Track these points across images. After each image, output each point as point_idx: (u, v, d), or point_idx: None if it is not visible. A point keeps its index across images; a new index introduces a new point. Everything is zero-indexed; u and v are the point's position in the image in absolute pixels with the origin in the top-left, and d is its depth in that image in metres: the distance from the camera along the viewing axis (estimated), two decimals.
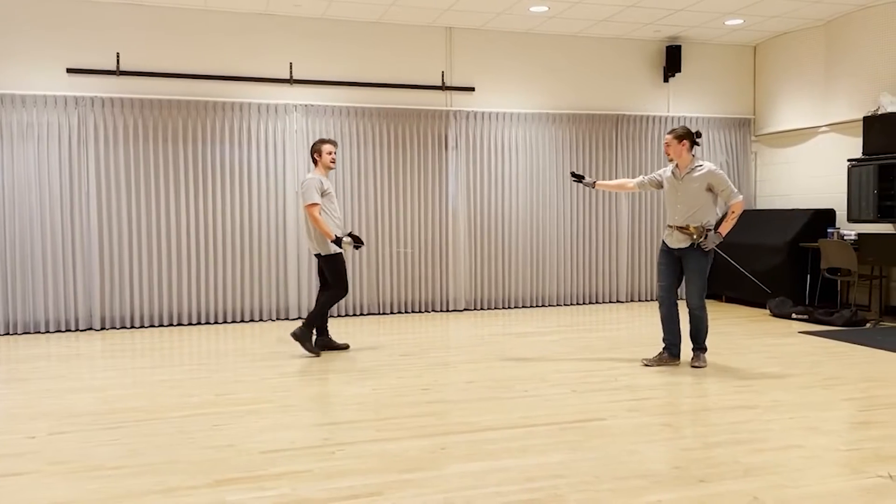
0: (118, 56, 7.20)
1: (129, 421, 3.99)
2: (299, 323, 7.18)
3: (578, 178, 5.56)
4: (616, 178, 8.75)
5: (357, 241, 5.83)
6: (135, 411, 4.19)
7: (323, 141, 5.82)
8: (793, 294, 7.85)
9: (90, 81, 7.13)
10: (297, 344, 5.91)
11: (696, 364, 5.22)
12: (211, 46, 7.46)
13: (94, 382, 4.95)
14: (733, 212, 5.01)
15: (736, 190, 5.05)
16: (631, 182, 5.53)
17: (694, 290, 5.15)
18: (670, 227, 5.15)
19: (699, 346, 5.29)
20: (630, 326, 7.08)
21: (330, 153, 5.80)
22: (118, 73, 7.18)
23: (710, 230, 5.02)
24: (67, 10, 7.06)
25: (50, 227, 7.00)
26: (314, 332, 5.82)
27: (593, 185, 5.59)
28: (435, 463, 3.28)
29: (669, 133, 5.13)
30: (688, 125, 8.96)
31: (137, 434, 3.75)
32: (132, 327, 7.27)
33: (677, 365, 5.30)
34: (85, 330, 7.13)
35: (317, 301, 5.84)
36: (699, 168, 5.05)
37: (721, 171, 5.05)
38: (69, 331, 7.09)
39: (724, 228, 5.02)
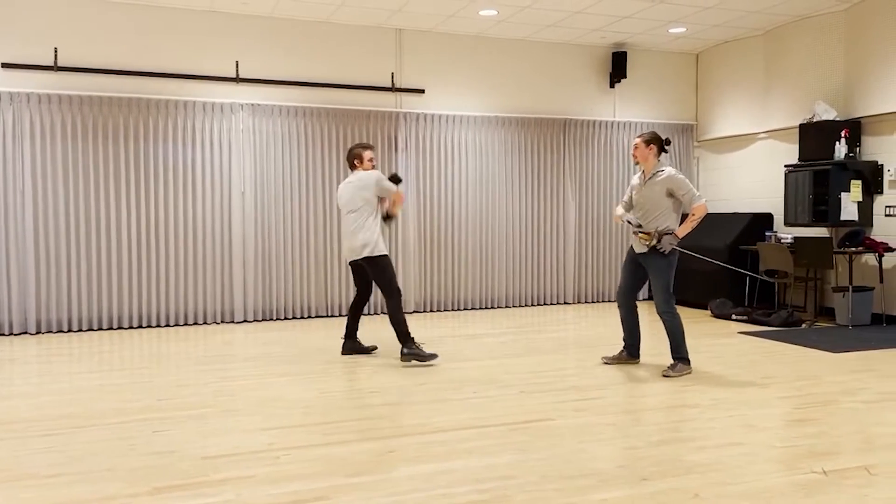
0: (56, 51, 6.96)
1: (65, 428, 3.86)
2: (248, 327, 7.05)
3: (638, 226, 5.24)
4: (563, 182, 8.86)
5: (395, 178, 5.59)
6: (71, 417, 4.05)
7: (365, 147, 5.59)
8: (733, 295, 8.07)
9: (26, 77, 6.88)
10: (417, 362, 5.42)
11: (666, 372, 5.03)
12: (154, 43, 7.28)
13: (28, 388, 4.76)
14: (693, 214, 4.94)
15: (698, 193, 5.02)
16: (619, 210, 5.39)
17: (657, 292, 5.09)
18: (634, 232, 5.15)
19: (677, 356, 5.10)
20: (577, 327, 7.17)
21: (371, 159, 5.58)
22: (56, 68, 6.95)
23: (668, 233, 4.99)
24: (4, 3, 6.79)
25: None
26: (410, 339, 5.43)
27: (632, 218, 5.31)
28: (383, 466, 3.26)
29: (638, 137, 5.15)
30: (633, 130, 9.15)
31: (74, 441, 3.63)
32: (70, 331, 7.03)
33: (636, 364, 5.41)
34: (19, 334, 6.87)
35: (390, 317, 5.47)
36: (661, 173, 5.05)
37: (682, 176, 5.03)
38: (2, 335, 6.82)
39: (682, 231, 4.98)
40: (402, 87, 8.19)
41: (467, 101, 8.50)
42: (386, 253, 5.51)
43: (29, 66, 6.87)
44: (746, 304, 8.10)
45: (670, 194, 5.01)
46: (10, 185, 6.82)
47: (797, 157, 7.76)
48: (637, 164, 5.18)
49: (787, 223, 7.78)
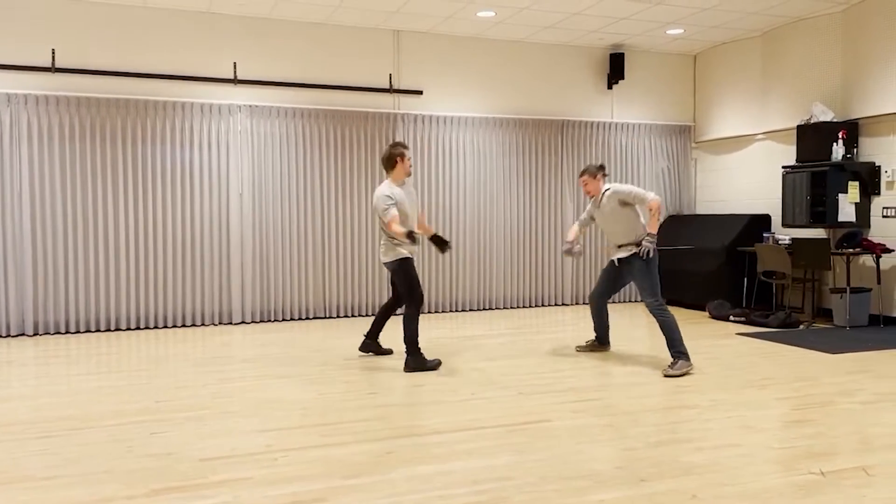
0: (53, 52, 6.95)
1: (63, 430, 3.85)
2: (246, 329, 7.05)
3: (569, 252, 5.68)
4: (561, 183, 8.86)
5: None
6: (68, 419, 4.04)
7: (405, 146, 5.41)
8: (731, 296, 8.07)
9: (24, 78, 6.87)
10: (419, 373, 5.26)
11: (667, 372, 5.08)
12: (152, 44, 7.28)
13: (26, 390, 4.76)
14: (650, 209, 5.26)
15: (644, 191, 5.33)
16: (576, 227, 5.80)
17: (646, 295, 5.29)
18: (611, 246, 5.61)
19: (676, 352, 5.19)
20: (575, 328, 7.17)
21: (409, 159, 5.43)
22: (53, 69, 6.94)
23: (645, 237, 5.29)
24: (1, 5, 6.80)
25: None
26: (416, 348, 5.31)
27: (571, 245, 5.64)
28: (381, 467, 3.26)
29: (584, 174, 5.56)
30: (630, 132, 9.16)
31: (71, 443, 3.62)
32: (67, 333, 7.02)
33: (606, 350, 5.94)
34: (17, 336, 6.86)
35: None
36: (606, 192, 5.46)
37: (623, 185, 5.43)
38: (0, 337, 6.82)
39: (652, 227, 5.29)
40: (400, 88, 8.19)
41: (465, 103, 8.50)
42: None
43: (26, 67, 6.87)
44: (744, 305, 8.11)
45: (623, 203, 5.36)
46: (7, 187, 6.81)
47: (795, 158, 7.77)
48: (591, 197, 5.62)
49: (785, 224, 7.79)
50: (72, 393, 4.66)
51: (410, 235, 5.12)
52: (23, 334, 6.90)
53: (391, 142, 5.86)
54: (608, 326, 5.92)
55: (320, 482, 3.08)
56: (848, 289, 7.09)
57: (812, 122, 7.53)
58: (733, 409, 4.20)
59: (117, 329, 7.19)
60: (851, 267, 7.39)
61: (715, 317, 7.83)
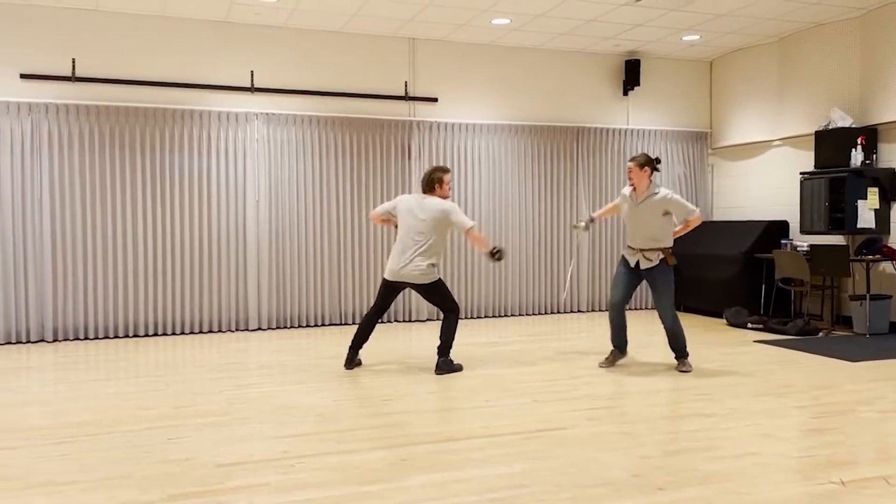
0: (74, 62, 7.05)
1: (81, 435, 3.88)
2: (262, 335, 7.07)
3: (586, 225, 5.84)
4: (577, 190, 8.84)
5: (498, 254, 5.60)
6: (87, 425, 4.07)
7: (446, 171, 5.51)
8: (748, 304, 8.01)
9: (45, 87, 6.97)
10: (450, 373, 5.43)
11: (684, 369, 5.45)
12: (170, 53, 7.36)
13: (45, 396, 4.81)
14: (689, 223, 5.39)
15: (692, 207, 5.37)
16: (612, 204, 5.84)
17: (667, 304, 5.41)
18: (632, 248, 5.47)
19: (683, 354, 5.54)
20: (591, 336, 7.14)
21: (448, 182, 5.53)
22: (74, 79, 7.03)
23: (670, 248, 5.38)
24: (22, 15, 6.89)
25: (1, 236, 6.80)
26: (446, 353, 5.48)
27: (592, 220, 5.90)
28: (396, 474, 3.26)
29: (632, 161, 5.39)
30: (646, 138, 9.14)
31: (89, 449, 3.65)
32: (86, 339, 7.09)
33: (626, 356, 5.77)
34: (37, 342, 6.94)
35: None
36: (656, 194, 5.34)
37: (677, 196, 5.35)
38: (20, 343, 6.88)
39: (677, 233, 5.43)
40: (416, 95, 8.22)
41: (480, 110, 8.51)
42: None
43: (47, 76, 6.96)
44: (762, 312, 8.04)
45: (666, 213, 5.33)
46: (28, 195, 6.90)
47: (813, 164, 7.71)
48: (632, 185, 5.44)
49: (803, 231, 7.72)
50: (90, 398, 4.70)
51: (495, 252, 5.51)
52: (42, 340, 6.98)
53: (435, 165, 5.87)
54: (627, 338, 5.66)
55: (336, 489, 3.08)
56: (868, 296, 7.01)
57: (830, 127, 7.47)
58: (751, 418, 4.16)
59: (135, 335, 7.26)
60: (871, 274, 7.31)
61: (732, 324, 7.77)
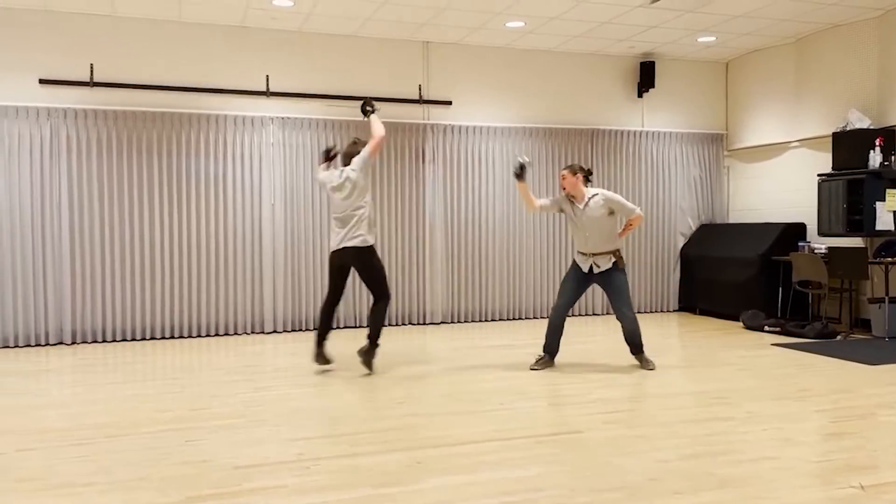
0: (92, 67, 7.12)
1: (99, 437, 3.92)
2: (277, 338, 7.09)
3: (521, 170, 5.54)
4: None
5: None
6: (105, 427, 4.11)
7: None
8: (765, 307, 7.94)
9: (63, 92, 7.05)
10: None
11: (650, 366, 5.58)
12: (186, 58, 7.42)
13: (63, 398, 4.85)
14: (631, 223, 5.53)
15: (632, 205, 5.53)
16: (537, 202, 5.64)
17: (626, 303, 5.54)
18: (583, 254, 5.56)
19: (641, 350, 5.65)
20: (605, 339, 7.11)
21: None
22: (92, 84, 7.11)
23: (619, 250, 5.57)
24: (41, 21, 6.98)
25: (20, 240, 6.88)
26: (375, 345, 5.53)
27: (520, 176, 5.48)
28: (410, 477, 3.26)
29: (565, 169, 5.53)
30: (661, 140, 9.10)
31: (107, 450, 3.68)
32: (104, 341, 7.15)
33: (553, 367, 5.72)
34: (55, 344, 7.01)
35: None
36: (596, 196, 5.48)
37: (613, 194, 5.53)
38: (39, 345, 6.96)
39: (622, 234, 5.59)
40: (430, 99, 8.24)
41: (494, 113, 8.51)
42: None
43: (65, 81, 7.04)
44: (779, 315, 7.97)
45: (611, 212, 5.46)
46: (47, 199, 6.97)
47: (830, 166, 7.64)
48: (566, 193, 5.53)
49: (821, 233, 7.65)
50: (108, 401, 4.74)
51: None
52: (61, 343, 7.05)
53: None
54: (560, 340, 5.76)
55: (351, 491, 3.09)
56: (886, 298, 6.93)
57: (848, 129, 7.40)
58: (769, 422, 4.12)
59: (152, 338, 7.31)
60: (890, 276, 7.22)
61: (749, 327, 7.71)
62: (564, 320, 5.70)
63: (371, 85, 8.00)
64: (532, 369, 5.64)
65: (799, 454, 3.54)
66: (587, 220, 5.46)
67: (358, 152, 5.56)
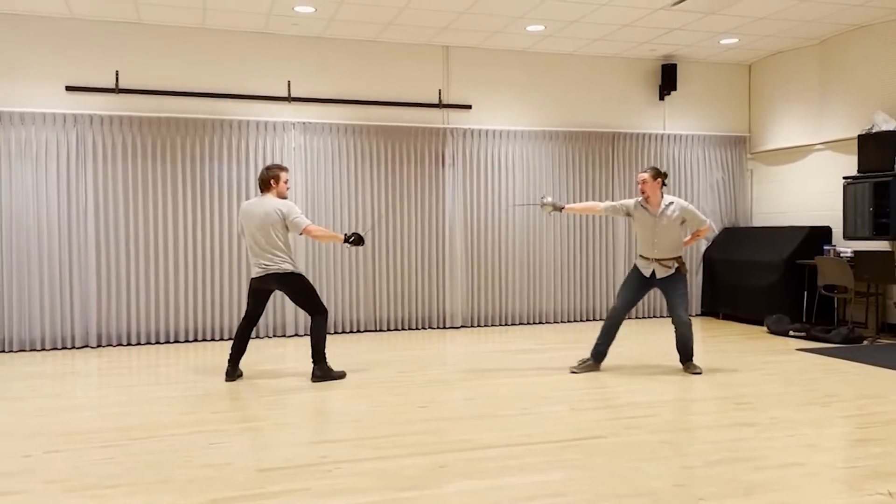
0: (117, 74, 7.22)
1: (124, 439, 3.96)
2: (299, 341, 7.12)
3: (553, 208, 5.81)
4: (612, 197, 8.77)
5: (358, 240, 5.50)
6: (130, 429, 4.15)
7: (282, 168, 5.55)
8: (790, 311, 7.85)
9: (89, 99, 7.15)
10: (326, 381, 5.39)
11: (696, 371, 5.58)
12: (210, 64, 7.49)
13: (90, 400, 4.91)
14: (699, 233, 5.64)
15: (704, 216, 5.62)
16: (600, 206, 5.81)
17: (683, 308, 5.56)
18: (646, 258, 5.56)
19: (691, 359, 5.66)
20: (628, 343, 7.06)
21: (287, 181, 5.55)
22: (117, 90, 7.20)
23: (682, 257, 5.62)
24: (67, 29, 7.09)
25: (47, 245, 6.99)
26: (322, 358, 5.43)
27: (561, 209, 5.82)
28: (433, 481, 3.26)
29: (644, 172, 5.52)
30: (683, 143, 9.04)
31: (132, 452, 3.72)
32: (129, 345, 7.23)
33: (598, 371, 5.67)
34: (81, 347, 7.09)
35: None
36: (671, 205, 5.50)
37: (691, 205, 5.58)
38: (65, 348, 7.05)
39: (688, 243, 5.67)
40: (450, 103, 8.25)
41: (514, 116, 8.50)
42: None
43: (91, 88, 7.14)
44: (804, 320, 7.87)
45: (682, 221, 5.53)
46: (73, 204, 7.07)
47: (856, 168, 7.54)
48: (645, 196, 5.53)
49: (847, 237, 7.55)
50: (133, 403, 4.79)
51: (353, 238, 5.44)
52: (87, 346, 7.14)
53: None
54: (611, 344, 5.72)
55: (374, 495, 3.09)
56: None
57: (874, 131, 7.31)
58: (795, 427, 4.07)
59: (176, 341, 7.38)
60: None
61: (773, 332, 7.62)
62: (620, 323, 5.65)
63: (391, 90, 8.03)
64: (572, 371, 5.63)
65: (825, 460, 3.50)
66: (659, 226, 5.46)
67: (269, 177, 5.46)
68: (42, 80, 7.03)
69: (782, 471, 3.35)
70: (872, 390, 4.98)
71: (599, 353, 5.69)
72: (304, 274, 5.61)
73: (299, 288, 5.45)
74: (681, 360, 5.68)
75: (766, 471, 3.35)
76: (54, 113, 6.99)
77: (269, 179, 5.48)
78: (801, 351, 6.58)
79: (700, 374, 5.53)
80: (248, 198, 7.58)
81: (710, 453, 3.62)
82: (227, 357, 5.56)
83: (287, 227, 5.39)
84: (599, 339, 5.69)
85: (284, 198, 5.51)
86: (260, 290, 5.52)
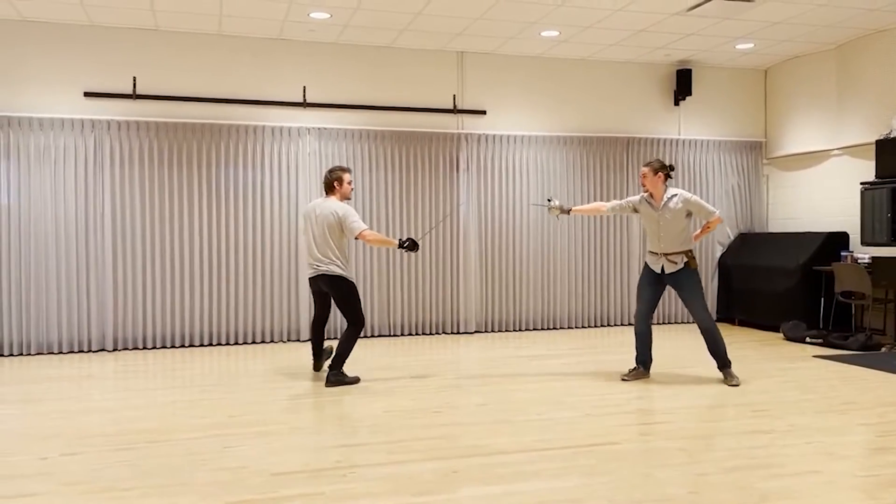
0: (135, 80, 7.29)
1: (141, 442, 3.99)
2: (307, 346, 7.16)
3: (560, 210, 5.81)
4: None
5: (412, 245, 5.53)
6: (146, 433, 4.18)
7: (345, 169, 5.59)
8: (806, 318, 7.78)
9: (107, 105, 7.23)
10: (340, 387, 5.42)
11: (733, 383, 5.35)
12: (226, 70, 7.56)
13: (106, 404, 4.95)
14: (709, 226, 5.45)
15: (712, 207, 5.47)
16: (605, 206, 5.77)
17: (700, 305, 5.40)
18: (655, 253, 5.47)
19: (726, 363, 5.44)
20: None
21: (350, 182, 5.60)
22: (134, 96, 7.28)
23: (692, 251, 5.44)
24: (85, 35, 7.17)
25: (65, 249, 7.06)
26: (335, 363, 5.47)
27: (568, 211, 5.83)
28: (447, 486, 3.25)
29: (645, 166, 5.45)
30: (698, 148, 8.99)
31: (148, 455, 3.75)
32: (145, 348, 7.28)
33: (648, 378, 5.60)
34: (98, 351, 7.15)
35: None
36: (675, 197, 5.39)
37: (696, 196, 5.42)
38: (82, 352, 7.11)
39: (698, 237, 5.50)
40: (464, 108, 8.26)
41: (529, 122, 8.50)
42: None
43: (109, 94, 7.22)
44: (821, 326, 7.80)
45: (688, 214, 5.38)
46: (90, 209, 7.14)
47: (874, 174, 7.47)
48: (646, 191, 5.46)
49: (864, 243, 7.48)
50: (149, 406, 4.83)
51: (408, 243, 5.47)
52: (103, 350, 7.19)
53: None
54: (651, 353, 5.63)
55: (388, 499, 3.10)
56: None
57: (892, 136, 7.24)
58: (812, 435, 4.03)
59: (191, 345, 7.42)
60: None
61: (790, 338, 7.56)
62: (649, 326, 5.57)
63: (406, 95, 8.05)
64: (623, 379, 5.54)
65: (843, 468, 3.46)
66: (663, 219, 5.37)
67: (332, 180, 5.53)
68: (60, 86, 7.11)
69: (799, 479, 3.32)
70: (892, 398, 4.92)
71: (643, 361, 5.60)
72: (354, 281, 5.64)
73: (346, 294, 5.48)
74: (718, 367, 5.47)
75: (782, 478, 3.32)
76: (72, 119, 7.07)
77: (332, 182, 5.55)
78: (818, 358, 6.52)
79: (738, 386, 5.30)
80: (262, 203, 7.63)
81: (726, 460, 3.59)
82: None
83: (342, 231, 5.42)
84: (637, 348, 5.60)
85: (348, 199, 5.61)
86: (317, 292, 5.66)
